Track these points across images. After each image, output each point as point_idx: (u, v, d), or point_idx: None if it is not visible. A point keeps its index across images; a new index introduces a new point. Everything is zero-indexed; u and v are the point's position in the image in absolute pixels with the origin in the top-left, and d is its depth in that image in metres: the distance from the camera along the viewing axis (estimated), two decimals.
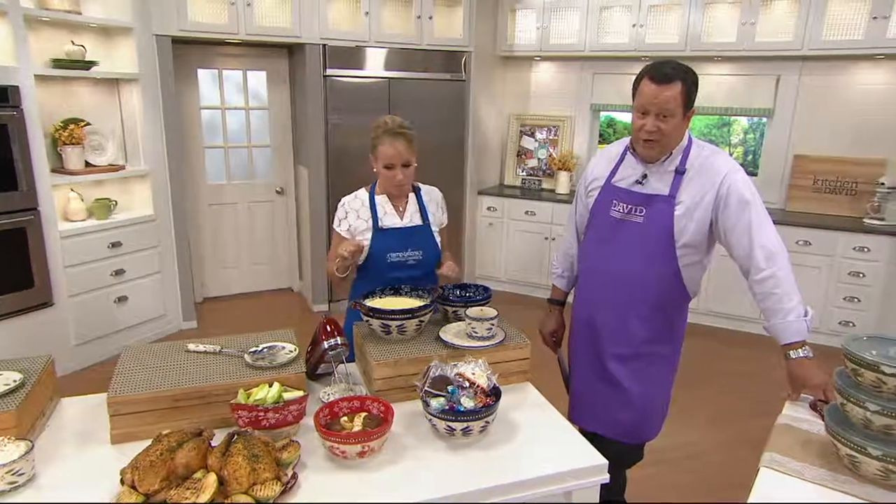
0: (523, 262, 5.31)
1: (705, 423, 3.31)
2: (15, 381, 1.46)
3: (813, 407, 1.62)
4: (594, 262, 2.00)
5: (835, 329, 4.26)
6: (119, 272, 3.94)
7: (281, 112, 5.04)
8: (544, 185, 5.50)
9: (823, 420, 1.44)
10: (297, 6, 4.29)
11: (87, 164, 3.89)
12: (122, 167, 4.05)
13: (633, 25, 4.75)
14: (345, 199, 2.16)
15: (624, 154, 1.96)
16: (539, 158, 5.57)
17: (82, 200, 3.87)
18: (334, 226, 2.16)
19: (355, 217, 2.11)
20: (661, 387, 2.02)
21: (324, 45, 4.44)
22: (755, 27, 4.37)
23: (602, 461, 1.45)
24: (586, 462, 1.45)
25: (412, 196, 2.19)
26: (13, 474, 1.25)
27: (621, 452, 2.02)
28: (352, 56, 4.56)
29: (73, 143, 3.75)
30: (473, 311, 1.79)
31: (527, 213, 5.22)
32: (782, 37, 4.34)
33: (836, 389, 1.40)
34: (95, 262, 3.81)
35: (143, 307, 4.14)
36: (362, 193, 2.16)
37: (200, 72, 4.69)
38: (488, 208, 5.38)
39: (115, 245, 3.90)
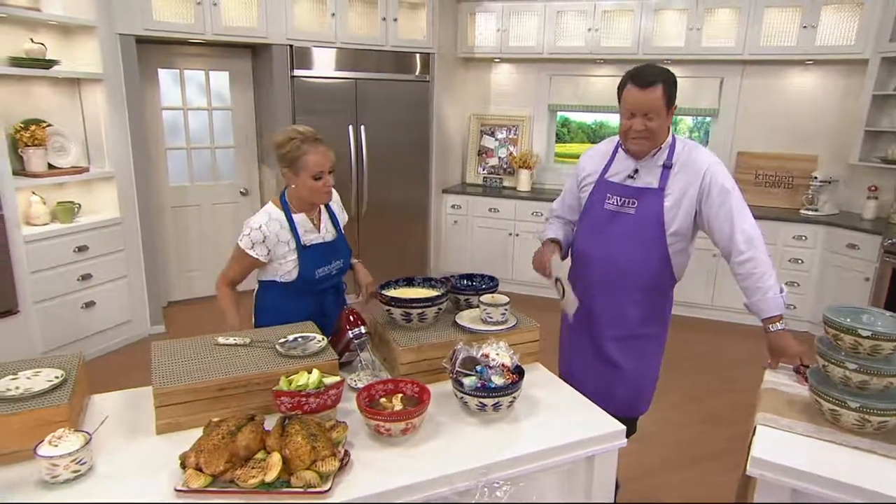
0: (488, 258, 5.47)
1: (675, 401, 3.56)
2: (57, 377, 1.47)
3: (797, 371, 1.83)
4: (590, 251, 2.15)
5: None
6: (86, 277, 3.84)
7: (244, 113, 5.01)
8: (505, 183, 5.68)
9: (807, 382, 1.64)
10: (263, 7, 4.29)
11: (50, 166, 3.77)
12: (87, 169, 3.93)
13: (589, 29, 5.00)
14: (258, 222, 1.99)
15: (615, 151, 2.12)
16: (500, 157, 5.75)
17: (44, 204, 3.74)
18: (245, 248, 1.99)
19: (275, 241, 2.00)
20: (652, 363, 2.21)
21: (290, 46, 4.45)
22: (701, 33, 4.70)
23: (620, 427, 1.60)
24: (606, 429, 1.60)
25: (322, 206, 2.16)
26: (77, 463, 1.28)
27: None
28: (318, 57, 4.59)
29: (35, 145, 3.63)
30: (486, 297, 1.91)
31: (490, 210, 5.39)
32: (725, 42, 4.68)
33: (818, 353, 1.61)
34: (61, 266, 3.69)
35: (110, 312, 4.04)
36: (277, 214, 2.02)
37: (161, 72, 4.60)
38: (453, 206, 5.52)
39: (81, 249, 3.79)
